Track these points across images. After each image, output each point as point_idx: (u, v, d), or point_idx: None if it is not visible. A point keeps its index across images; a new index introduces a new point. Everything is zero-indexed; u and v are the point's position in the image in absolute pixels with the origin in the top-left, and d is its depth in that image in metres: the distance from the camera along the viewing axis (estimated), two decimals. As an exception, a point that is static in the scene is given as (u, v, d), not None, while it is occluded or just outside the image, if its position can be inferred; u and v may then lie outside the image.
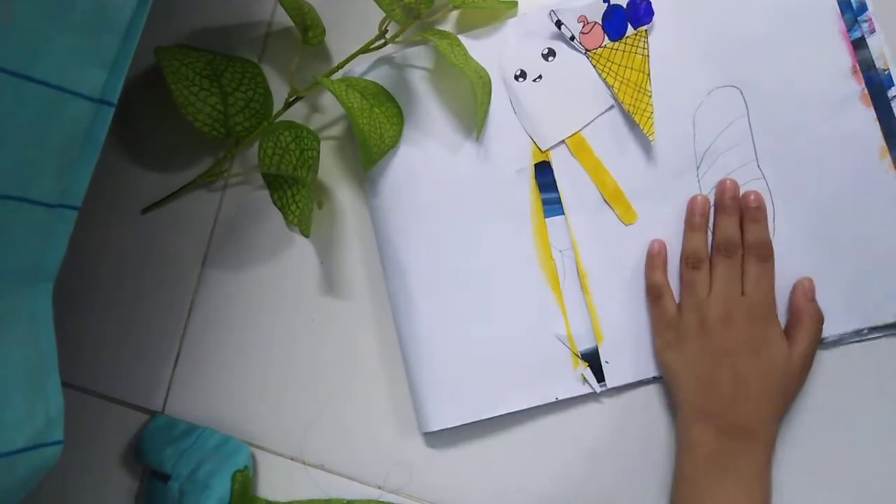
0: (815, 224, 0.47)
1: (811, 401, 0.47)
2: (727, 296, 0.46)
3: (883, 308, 0.47)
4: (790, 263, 0.47)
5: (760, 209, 0.47)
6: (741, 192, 0.48)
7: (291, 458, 0.50)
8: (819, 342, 0.46)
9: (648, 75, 0.48)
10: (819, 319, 0.46)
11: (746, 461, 0.44)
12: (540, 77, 0.49)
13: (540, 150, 0.49)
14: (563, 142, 0.49)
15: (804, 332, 0.46)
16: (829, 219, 0.47)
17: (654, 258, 0.48)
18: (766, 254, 0.46)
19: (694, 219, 0.48)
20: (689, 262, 0.47)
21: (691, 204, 0.48)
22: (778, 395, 0.45)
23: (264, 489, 0.50)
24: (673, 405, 0.48)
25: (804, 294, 0.47)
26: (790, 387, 0.46)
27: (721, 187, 0.48)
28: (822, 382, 0.47)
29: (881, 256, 0.47)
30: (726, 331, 0.45)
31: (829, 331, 0.47)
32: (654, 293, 0.48)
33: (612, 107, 0.49)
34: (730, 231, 0.47)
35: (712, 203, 0.48)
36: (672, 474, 0.47)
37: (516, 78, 0.49)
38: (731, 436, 0.44)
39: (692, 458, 0.45)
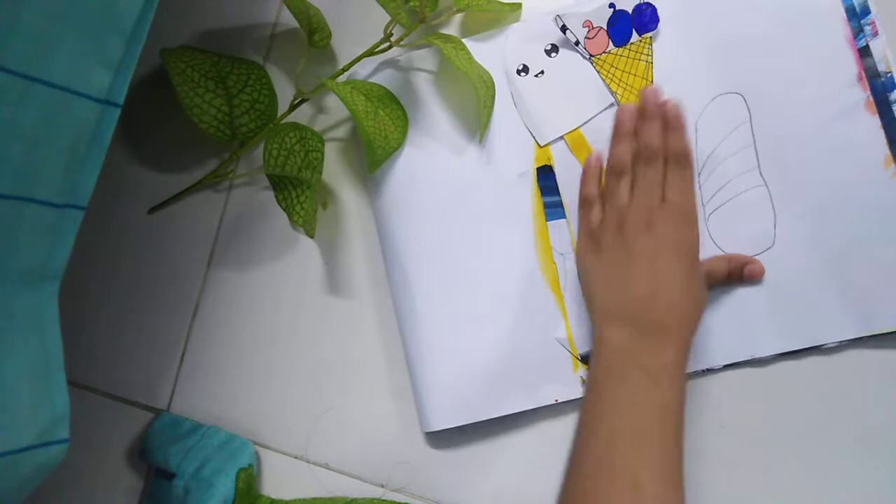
0: (817, 231, 0.47)
1: (809, 407, 0.47)
2: (647, 202, 0.45)
3: (886, 316, 0.46)
4: (791, 269, 0.47)
5: (679, 117, 0.46)
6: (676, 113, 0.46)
7: (296, 457, 0.50)
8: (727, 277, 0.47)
9: (652, 83, 0.48)
10: (741, 265, 0.47)
11: (655, 356, 0.41)
12: (542, 72, 0.49)
13: (539, 144, 0.49)
14: (561, 138, 0.49)
15: (723, 259, 0.47)
16: (832, 226, 0.47)
17: (590, 171, 0.48)
18: (685, 161, 0.45)
19: (622, 127, 0.47)
20: (615, 170, 0.47)
21: (619, 113, 0.47)
22: (694, 297, 0.43)
23: (268, 487, 0.50)
24: (589, 312, 0.46)
25: (753, 266, 0.47)
26: (703, 295, 0.45)
27: (643, 95, 0.47)
28: (824, 388, 0.47)
29: (884, 264, 0.47)
30: (646, 234, 0.44)
31: (829, 338, 0.47)
32: (585, 204, 0.47)
33: (612, 104, 0.49)
34: (651, 138, 0.46)
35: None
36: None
37: (518, 72, 0.49)
38: (642, 332, 0.42)
39: (599, 357, 0.43)
